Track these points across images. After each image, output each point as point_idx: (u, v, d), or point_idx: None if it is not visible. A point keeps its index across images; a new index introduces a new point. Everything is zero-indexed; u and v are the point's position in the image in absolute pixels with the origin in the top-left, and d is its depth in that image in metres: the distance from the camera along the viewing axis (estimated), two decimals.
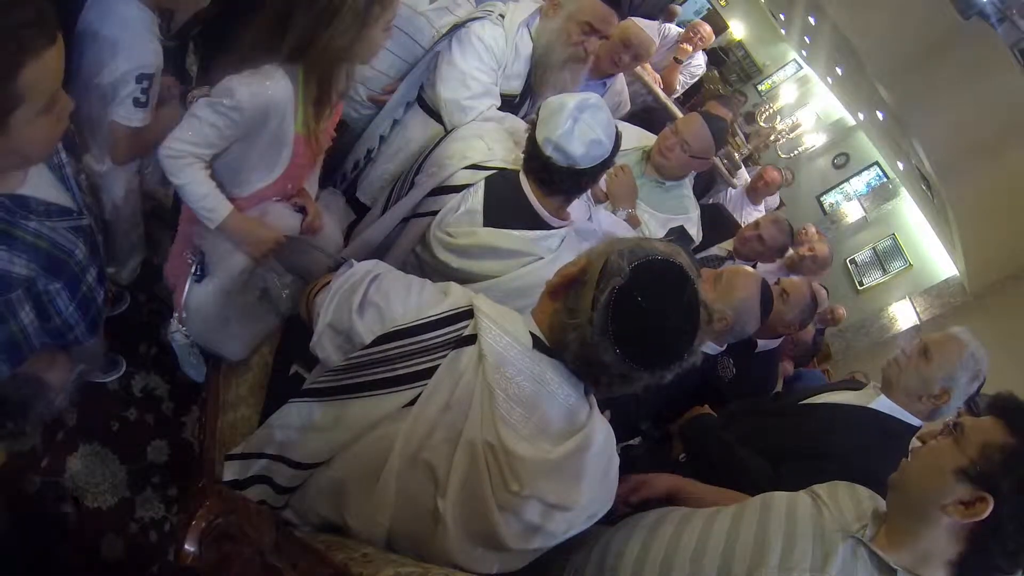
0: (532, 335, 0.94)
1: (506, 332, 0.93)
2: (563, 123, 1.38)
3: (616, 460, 1.02)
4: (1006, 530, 0.92)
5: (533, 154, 1.45)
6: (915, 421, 1.55)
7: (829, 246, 3.75)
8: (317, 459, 0.98)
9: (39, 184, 1.08)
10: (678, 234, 2.17)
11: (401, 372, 0.93)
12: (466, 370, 0.92)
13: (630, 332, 0.86)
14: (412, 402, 0.92)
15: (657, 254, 0.89)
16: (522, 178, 1.50)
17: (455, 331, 0.94)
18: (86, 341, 1.40)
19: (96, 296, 1.36)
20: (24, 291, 1.12)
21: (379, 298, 0.99)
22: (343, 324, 0.99)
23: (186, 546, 0.72)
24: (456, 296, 1.00)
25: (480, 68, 1.77)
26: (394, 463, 0.91)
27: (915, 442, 1.08)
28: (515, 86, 1.89)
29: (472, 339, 0.93)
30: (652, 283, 0.87)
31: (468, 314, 0.96)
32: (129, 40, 1.41)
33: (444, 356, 0.93)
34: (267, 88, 1.28)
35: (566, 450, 0.91)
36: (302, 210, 1.54)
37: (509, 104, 1.90)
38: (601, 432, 0.97)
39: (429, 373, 0.92)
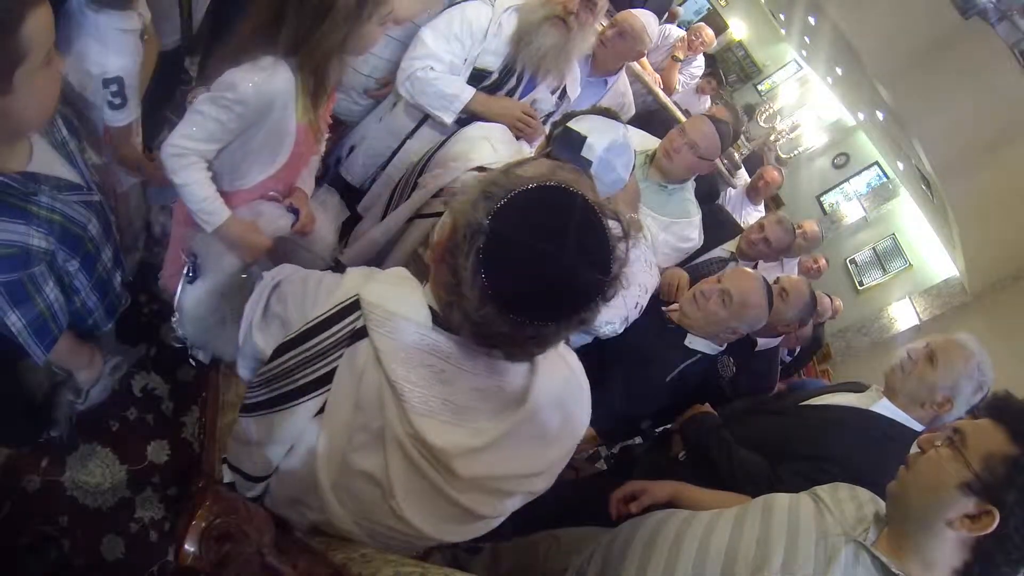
0: (432, 310, 0.84)
1: (397, 314, 0.84)
2: (596, 169, 1.37)
3: (585, 389, 0.95)
4: (1012, 541, 0.91)
5: None
6: (917, 426, 1.54)
7: (819, 223, 3.78)
8: (264, 472, 0.95)
9: (45, 161, 1.10)
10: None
11: (302, 382, 0.86)
12: (366, 366, 0.84)
13: (516, 292, 0.72)
14: (322, 410, 0.86)
15: (519, 185, 0.74)
16: None
17: (346, 327, 0.86)
18: (105, 327, 1.42)
19: (113, 279, 1.38)
20: (46, 266, 1.13)
21: (279, 308, 0.93)
22: (247, 343, 0.95)
23: (186, 546, 0.72)
24: (346, 286, 0.91)
25: (447, 49, 1.82)
26: (322, 476, 0.87)
27: (914, 448, 1.07)
28: (490, 62, 1.89)
29: (365, 331, 0.85)
30: (521, 226, 0.72)
31: (357, 304, 0.86)
32: (89, 47, 1.39)
33: (340, 357, 0.85)
34: (269, 80, 1.28)
35: (509, 424, 0.85)
36: (295, 211, 1.54)
37: (479, 78, 1.89)
38: (553, 386, 0.89)
39: (329, 378, 0.85)
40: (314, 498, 0.90)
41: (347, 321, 0.86)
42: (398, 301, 0.86)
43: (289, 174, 1.51)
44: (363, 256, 1.70)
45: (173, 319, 1.61)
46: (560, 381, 0.92)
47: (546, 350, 0.83)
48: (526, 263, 0.72)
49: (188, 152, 1.32)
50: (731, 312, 1.81)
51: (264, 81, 1.28)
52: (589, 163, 1.33)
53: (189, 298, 1.53)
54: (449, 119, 1.88)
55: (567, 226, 0.72)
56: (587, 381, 0.97)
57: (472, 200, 0.75)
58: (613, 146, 1.40)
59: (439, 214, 1.55)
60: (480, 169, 1.56)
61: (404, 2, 1.78)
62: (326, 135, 1.66)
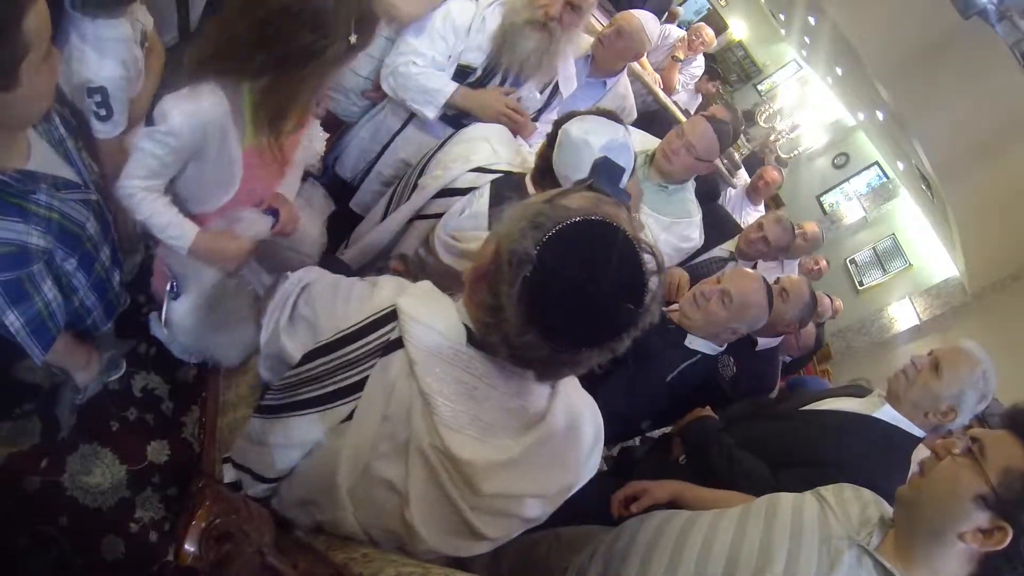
0: (467, 328, 0.87)
1: (434, 329, 0.86)
2: (583, 165, 1.35)
3: (600, 428, 0.98)
4: (1022, 558, 0.91)
5: (546, 173, 1.44)
6: (918, 432, 1.54)
7: (819, 223, 3.77)
8: (278, 473, 0.96)
9: (44, 159, 1.11)
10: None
11: (331, 389, 0.88)
12: (398, 377, 0.86)
13: (558, 320, 0.76)
14: (350, 417, 0.88)
15: (567, 218, 0.76)
16: (528, 183, 1.50)
17: (380, 337, 0.88)
18: (104, 326, 1.41)
19: (111, 279, 1.38)
20: (44, 265, 1.13)
21: (308, 311, 0.94)
22: (272, 345, 0.96)
23: (186, 546, 0.72)
24: (381, 296, 0.92)
25: (430, 46, 1.80)
26: (343, 480, 0.88)
27: (922, 451, 1.06)
28: (473, 58, 1.87)
29: (399, 343, 0.87)
30: (568, 256, 0.75)
31: (393, 315, 0.88)
32: (75, 53, 1.35)
33: (372, 366, 0.87)
34: (199, 109, 1.22)
35: (531, 442, 0.87)
36: (275, 213, 1.50)
37: (463, 75, 1.88)
38: (575, 406, 0.93)
39: (360, 386, 0.87)
40: (327, 500, 0.91)
41: (383, 331, 0.88)
42: (434, 316, 0.88)
43: (254, 194, 1.46)
44: (363, 257, 1.70)
45: (152, 322, 1.60)
46: (575, 410, 0.94)
47: (576, 373, 0.86)
48: (569, 294, 0.75)
49: (136, 190, 1.29)
50: (731, 313, 1.81)
51: (194, 110, 1.21)
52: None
53: (176, 314, 1.52)
54: (432, 114, 1.86)
55: (609, 260, 0.75)
56: (600, 418, 0.99)
57: (520, 228, 0.77)
58: (611, 145, 1.39)
59: (439, 215, 1.55)
60: (480, 170, 1.56)
61: (410, 3, 1.78)
62: (320, 150, 1.64)
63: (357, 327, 0.89)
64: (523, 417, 0.89)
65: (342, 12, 1.16)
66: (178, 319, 1.53)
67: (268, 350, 0.97)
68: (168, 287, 1.50)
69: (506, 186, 1.52)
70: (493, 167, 1.56)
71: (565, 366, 0.83)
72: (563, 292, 0.75)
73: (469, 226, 1.50)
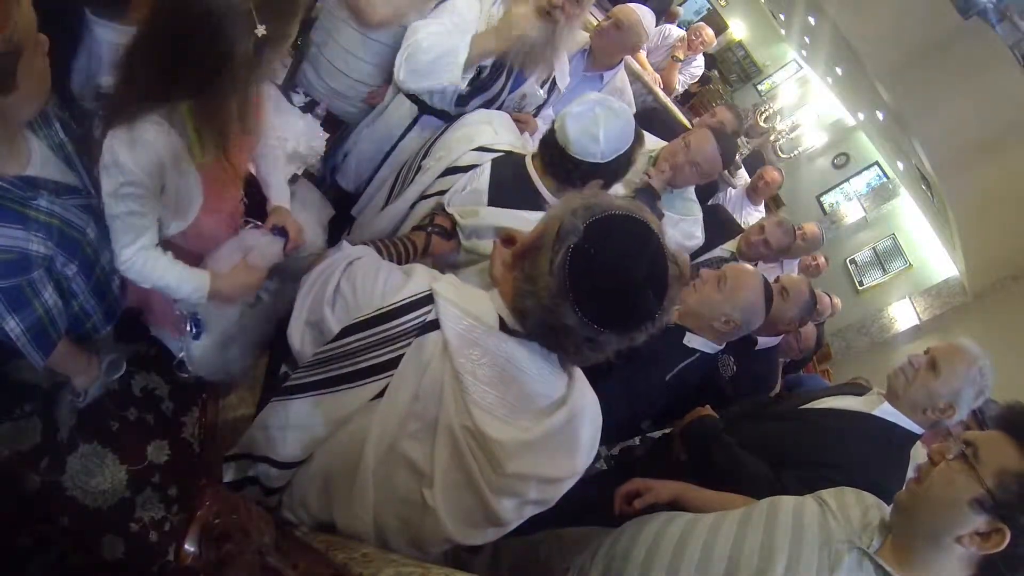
0: (499, 316, 0.92)
1: (468, 314, 0.91)
2: (576, 106, 1.45)
3: (599, 424, 1.01)
4: (1021, 559, 0.91)
5: (550, 149, 1.51)
6: (917, 429, 1.55)
7: (819, 223, 3.76)
8: (297, 457, 0.97)
9: (45, 164, 1.10)
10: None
11: (365, 365, 0.91)
12: (432, 357, 0.90)
13: (590, 292, 0.82)
14: (381, 394, 0.90)
15: (614, 209, 0.85)
16: (529, 163, 1.54)
17: (417, 318, 0.92)
18: (103, 330, 1.40)
19: (111, 283, 1.36)
20: (45, 271, 1.13)
21: (348, 288, 0.98)
22: (314, 315, 0.98)
23: (186, 546, 0.72)
24: (417, 281, 0.97)
25: (435, 32, 1.73)
26: (369, 458, 0.90)
27: (920, 451, 1.06)
28: None
29: (435, 325, 0.91)
30: (610, 239, 0.83)
31: (429, 299, 0.93)
32: (92, 59, 1.33)
33: (408, 345, 0.90)
34: (147, 146, 1.17)
35: (549, 426, 0.90)
36: (282, 231, 1.47)
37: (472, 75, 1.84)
38: (584, 399, 0.97)
39: (394, 363, 0.90)
40: (347, 479, 0.92)
41: (419, 312, 0.92)
42: (469, 302, 0.93)
43: (215, 207, 1.41)
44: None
45: (179, 362, 1.58)
46: (584, 401, 0.97)
47: (596, 357, 0.90)
48: (606, 271, 0.83)
49: (136, 255, 1.25)
50: (725, 295, 1.77)
51: (143, 151, 1.16)
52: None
53: (198, 350, 1.51)
54: (455, 76, 1.73)
55: (643, 253, 0.84)
56: (600, 414, 1.01)
57: (572, 209, 0.85)
58: (606, 102, 1.46)
59: (443, 192, 1.57)
60: (482, 149, 1.59)
61: (387, 6, 1.74)
62: (320, 149, 1.59)
63: (396, 306, 0.93)
64: (543, 402, 0.93)
65: (230, 11, 1.05)
66: (201, 355, 1.51)
67: (310, 318, 0.99)
68: (187, 328, 1.47)
69: (507, 164, 1.55)
70: (494, 147, 1.59)
71: (587, 344, 0.87)
72: (600, 267, 0.82)
73: (470, 201, 1.52)
